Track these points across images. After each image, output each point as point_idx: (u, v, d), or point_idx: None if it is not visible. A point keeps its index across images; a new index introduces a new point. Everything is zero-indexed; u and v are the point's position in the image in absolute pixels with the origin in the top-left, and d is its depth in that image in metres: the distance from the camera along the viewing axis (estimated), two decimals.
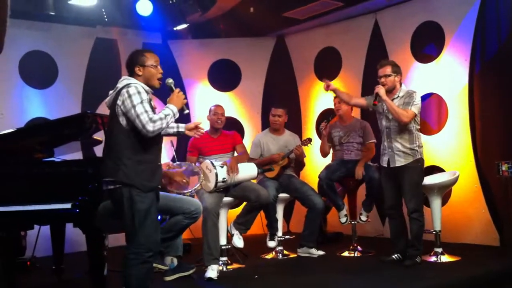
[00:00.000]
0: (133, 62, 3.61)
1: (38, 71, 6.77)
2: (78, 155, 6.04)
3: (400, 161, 4.95)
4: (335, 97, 6.00)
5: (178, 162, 5.09)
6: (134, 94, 3.43)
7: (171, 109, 3.54)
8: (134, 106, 3.40)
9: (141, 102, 3.42)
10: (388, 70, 4.99)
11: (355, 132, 5.86)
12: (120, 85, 3.56)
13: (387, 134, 5.03)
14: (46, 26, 6.78)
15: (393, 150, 4.98)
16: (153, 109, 3.54)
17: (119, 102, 3.47)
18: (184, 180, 4.71)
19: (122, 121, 3.48)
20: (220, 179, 5.03)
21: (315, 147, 6.90)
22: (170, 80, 3.74)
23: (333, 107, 6.08)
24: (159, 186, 3.68)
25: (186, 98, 3.70)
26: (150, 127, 3.39)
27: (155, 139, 3.55)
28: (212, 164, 5.08)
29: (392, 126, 4.99)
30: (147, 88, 3.58)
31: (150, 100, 3.56)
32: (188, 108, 3.76)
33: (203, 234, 4.99)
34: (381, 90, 4.92)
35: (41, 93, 6.74)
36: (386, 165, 5.04)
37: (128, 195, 3.45)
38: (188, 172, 4.89)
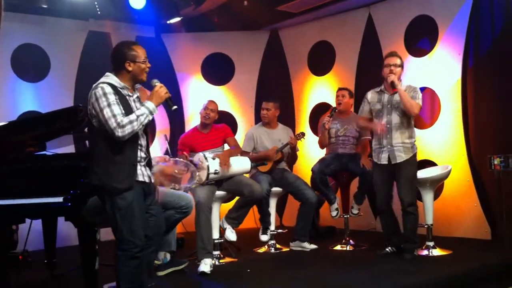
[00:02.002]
0: (123, 57, 3.51)
1: (31, 64, 6.74)
2: (70, 149, 6.02)
3: (401, 157, 4.95)
4: (339, 89, 5.99)
5: (175, 159, 5.06)
6: (100, 97, 3.35)
7: (147, 107, 3.44)
8: (101, 110, 3.34)
9: (108, 105, 3.33)
10: (398, 60, 5.01)
11: (352, 126, 5.86)
12: (94, 84, 3.50)
13: (387, 130, 5.00)
14: (38, 19, 6.74)
15: (393, 146, 4.97)
16: (130, 108, 3.44)
17: (89, 105, 3.42)
18: (176, 171, 4.67)
19: (95, 122, 3.42)
20: (212, 170, 5.03)
21: (308, 141, 6.91)
22: (155, 81, 3.60)
23: (327, 101, 6.08)
24: (147, 181, 3.61)
25: (168, 92, 3.56)
26: (119, 132, 3.32)
27: (135, 139, 3.48)
28: (204, 156, 5.07)
29: (394, 121, 4.98)
30: (122, 85, 3.49)
31: (129, 96, 3.50)
32: (174, 104, 3.63)
33: (196, 228, 4.99)
34: (395, 78, 4.92)
35: (33, 87, 6.71)
36: (386, 162, 5.02)
37: (109, 193, 3.44)
38: (182, 167, 4.87)
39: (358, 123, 5.36)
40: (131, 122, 3.35)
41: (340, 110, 5.92)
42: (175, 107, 3.65)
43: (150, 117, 3.46)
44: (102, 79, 3.50)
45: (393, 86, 4.92)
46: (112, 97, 3.37)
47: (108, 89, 3.39)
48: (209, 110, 5.49)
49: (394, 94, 4.99)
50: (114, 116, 3.32)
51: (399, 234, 5.17)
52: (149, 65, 3.58)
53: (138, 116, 3.38)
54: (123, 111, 3.37)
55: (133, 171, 3.49)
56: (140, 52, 3.55)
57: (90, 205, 3.92)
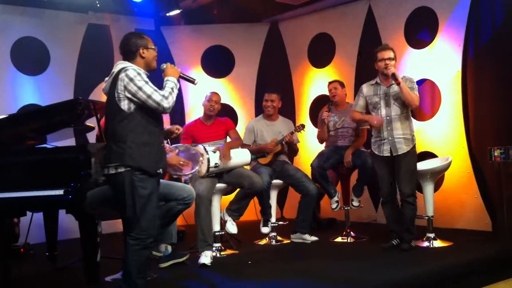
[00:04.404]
0: (136, 45, 3.58)
1: (30, 58, 6.72)
2: (71, 142, 6.03)
3: (402, 149, 4.95)
4: (329, 83, 6.00)
5: (175, 145, 5.04)
6: (135, 77, 3.42)
7: (172, 81, 3.57)
8: (140, 88, 3.41)
9: (146, 82, 3.44)
10: (391, 53, 4.99)
11: (349, 118, 5.85)
12: (115, 69, 3.53)
13: (387, 122, 4.99)
14: (38, 12, 6.73)
15: (394, 138, 4.97)
16: None
17: (119, 87, 3.44)
18: (181, 162, 4.68)
19: (124, 106, 3.45)
20: (212, 164, 5.03)
21: (309, 133, 6.91)
22: (164, 66, 3.70)
23: (328, 94, 6.07)
24: (161, 171, 3.65)
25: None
26: (165, 103, 3.45)
27: (157, 122, 3.59)
28: (205, 149, 5.07)
29: (393, 114, 4.97)
30: (143, 71, 3.55)
31: None
32: (193, 78, 3.86)
33: (196, 221, 5.00)
34: (395, 70, 4.90)
35: (33, 80, 6.70)
36: (388, 154, 5.01)
37: (130, 180, 3.44)
38: (185, 155, 4.87)
39: (353, 117, 5.33)
40: (170, 93, 3.50)
41: (336, 102, 5.91)
42: (195, 79, 3.86)
43: (176, 91, 3.58)
44: (122, 65, 3.52)
45: (394, 78, 4.89)
46: (145, 77, 3.49)
47: (140, 70, 3.50)
48: (213, 102, 5.51)
49: (391, 86, 4.98)
50: (155, 90, 3.45)
51: (402, 225, 5.16)
52: (156, 53, 3.70)
53: (172, 89, 3.53)
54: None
55: (161, 153, 3.64)
56: (149, 40, 3.68)
57: (91, 197, 3.93)
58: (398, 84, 4.87)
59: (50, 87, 6.71)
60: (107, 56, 6.91)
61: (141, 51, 3.59)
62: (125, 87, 3.43)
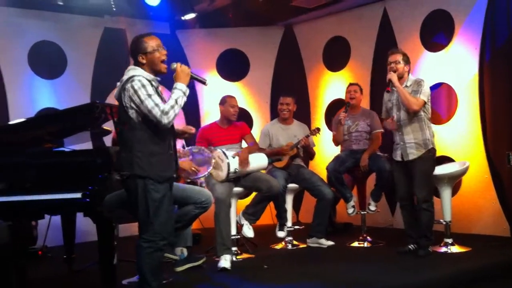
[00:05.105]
0: (136, 51, 3.54)
1: (47, 61, 6.76)
2: (87, 145, 6.05)
3: (413, 154, 4.94)
4: (350, 85, 5.98)
5: (189, 147, 5.05)
6: (139, 89, 3.39)
7: (180, 89, 3.49)
8: (142, 102, 3.38)
9: (149, 96, 3.39)
10: (398, 57, 5.00)
11: (363, 121, 5.84)
12: (125, 77, 3.52)
13: (398, 127, 5.01)
14: (54, 16, 6.79)
15: (405, 143, 4.97)
16: (161, 97, 3.51)
17: (126, 98, 3.44)
18: (193, 168, 4.71)
19: (132, 114, 3.45)
20: (232, 169, 5.03)
21: (324, 136, 6.89)
22: (174, 65, 3.59)
23: (343, 97, 6.05)
24: (174, 176, 3.66)
25: (190, 67, 3.61)
26: (164, 119, 3.39)
27: (166, 130, 3.54)
28: (224, 154, 5.07)
29: (402, 118, 4.98)
30: (152, 77, 3.52)
31: (157, 89, 3.53)
32: (204, 79, 3.76)
33: (216, 225, 4.99)
34: (393, 76, 4.93)
35: (50, 83, 6.75)
36: (400, 159, 5.02)
37: (143, 184, 3.45)
38: (198, 158, 4.88)
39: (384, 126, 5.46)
40: (172, 107, 3.42)
41: (353, 105, 5.89)
42: (206, 81, 3.76)
43: (185, 98, 3.50)
44: (131, 72, 3.51)
45: (388, 85, 4.95)
46: (150, 88, 3.43)
47: (145, 81, 3.45)
48: (236, 107, 5.52)
49: None
50: (156, 105, 3.39)
51: (419, 230, 5.12)
52: (164, 52, 3.58)
53: (176, 100, 3.44)
54: (161, 100, 3.45)
55: (171, 160, 3.62)
56: (150, 42, 3.56)
57: (108, 200, 3.95)
58: (388, 91, 4.98)
59: (67, 91, 6.76)
60: (123, 60, 6.91)
61: (139, 58, 3.54)
62: (131, 98, 3.42)
